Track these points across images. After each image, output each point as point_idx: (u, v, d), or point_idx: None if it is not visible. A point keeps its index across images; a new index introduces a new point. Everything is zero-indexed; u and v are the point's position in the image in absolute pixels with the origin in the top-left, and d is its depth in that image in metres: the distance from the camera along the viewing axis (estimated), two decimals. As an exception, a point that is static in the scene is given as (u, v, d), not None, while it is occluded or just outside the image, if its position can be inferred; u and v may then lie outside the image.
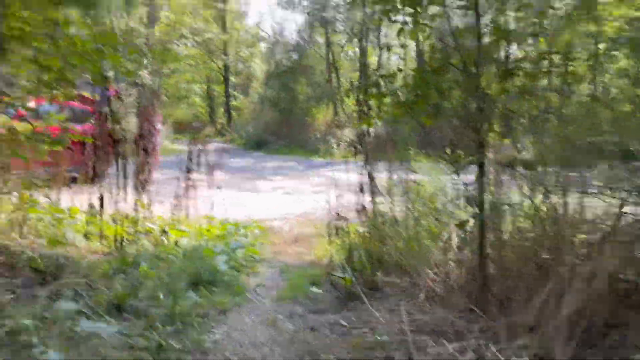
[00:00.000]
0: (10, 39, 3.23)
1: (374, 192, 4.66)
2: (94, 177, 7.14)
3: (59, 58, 3.61)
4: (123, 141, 6.63)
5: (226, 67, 31.96)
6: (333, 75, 24.26)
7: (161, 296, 3.07)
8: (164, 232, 5.23)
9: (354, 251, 4.19)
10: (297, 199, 9.23)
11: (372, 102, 5.48)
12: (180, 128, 35.26)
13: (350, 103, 25.86)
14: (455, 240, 4.37)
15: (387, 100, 4.60)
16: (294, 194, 9.84)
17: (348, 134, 21.65)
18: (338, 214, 5.35)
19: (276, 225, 7.17)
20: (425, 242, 4.35)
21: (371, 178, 4.86)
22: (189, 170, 6.46)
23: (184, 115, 40.56)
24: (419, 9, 3.46)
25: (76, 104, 9.38)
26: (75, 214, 5.82)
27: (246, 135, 24.60)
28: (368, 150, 5.67)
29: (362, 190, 4.79)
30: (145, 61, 22.89)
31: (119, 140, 7.51)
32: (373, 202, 4.49)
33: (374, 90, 3.99)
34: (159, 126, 11.45)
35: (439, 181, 4.89)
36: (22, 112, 6.38)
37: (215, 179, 7.04)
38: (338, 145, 20.43)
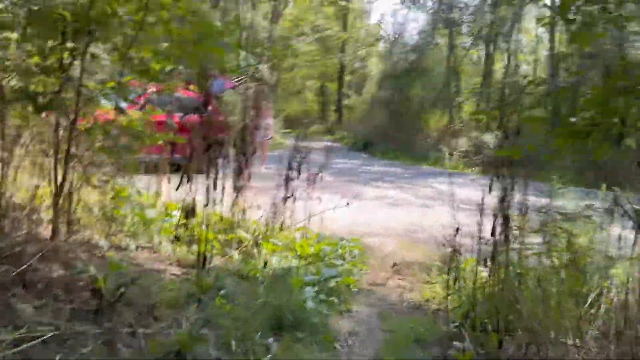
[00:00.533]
0: (98, 24, 2.87)
1: (507, 225, 3.67)
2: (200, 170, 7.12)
3: (146, 47, 3.22)
4: (232, 135, 6.37)
5: (342, 65, 31.76)
6: (452, 79, 22.84)
7: (233, 344, 2.51)
8: (256, 243, 4.76)
9: (475, 307, 3.33)
10: (402, 212, 8.41)
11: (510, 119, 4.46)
12: (291, 122, 35.90)
13: (468, 110, 24.27)
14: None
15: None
16: (398, 206, 9.02)
17: (463, 143, 20.28)
18: (453, 248, 4.44)
19: (376, 244, 6.42)
20: (566, 304, 3.37)
21: (504, 207, 3.80)
22: (289, 174, 5.96)
23: (296, 110, 41.36)
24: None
25: (189, 93, 9.42)
26: (172, 209, 5.57)
27: (354, 135, 24.08)
28: (492, 165, 4.55)
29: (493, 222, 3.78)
30: (264, 56, 23.21)
31: (226, 133, 7.33)
32: (505, 240, 3.54)
33: (532, 111, 3.04)
34: (270, 121, 11.31)
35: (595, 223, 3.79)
36: (138, 100, 6.34)
37: (316, 184, 6.48)
38: (450, 154, 19.14)
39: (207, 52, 3.21)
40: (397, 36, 26.98)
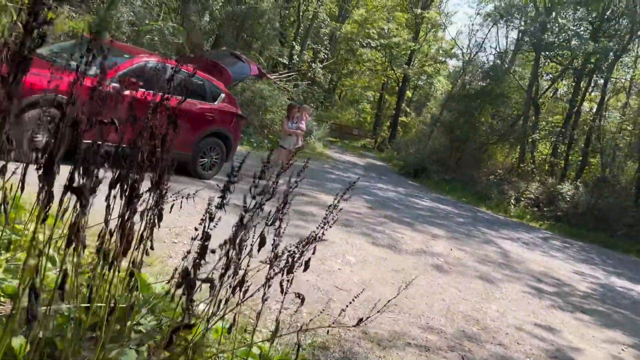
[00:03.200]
0: None
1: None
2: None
3: None
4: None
5: (405, 78, 28.90)
6: (531, 112, 19.52)
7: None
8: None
9: None
10: (453, 288, 5.54)
11: None
12: (339, 131, 33.30)
13: (542, 151, 20.81)
14: None
15: None
16: (449, 273, 6.16)
17: (533, 189, 16.93)
18: None
19: None
20: None
21: None
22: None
23: (350, 119, 38.78)
24: None
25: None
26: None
27: (405, 157, 21.15)
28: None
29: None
30: (323, 56, 20.73)
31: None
32: None
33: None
34: (303, 125, 8.67)
35: None
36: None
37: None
38: (517, 200, 15.86)
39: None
40: (472, 55, 23.89)
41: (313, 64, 21.03)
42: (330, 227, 2.35)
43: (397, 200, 11.47)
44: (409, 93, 35.70)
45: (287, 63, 19.57)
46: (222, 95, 7.49)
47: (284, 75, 18.19)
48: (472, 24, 40.69)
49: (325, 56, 22.60)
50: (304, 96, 20.78)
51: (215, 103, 7.34)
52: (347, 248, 5.80)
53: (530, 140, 19.15)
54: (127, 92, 1.90)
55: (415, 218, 9.34)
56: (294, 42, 19.83)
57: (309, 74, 21.48)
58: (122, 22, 10.62)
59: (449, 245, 7.59)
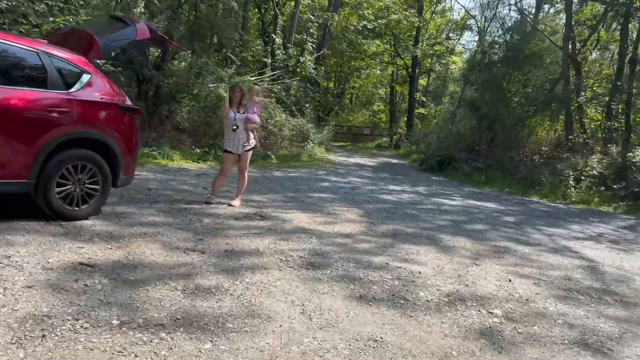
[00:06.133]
0: None
1: None
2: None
3: None
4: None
5: (414, 62, 25.45)
6: (571, 72, 15.93)
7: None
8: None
9: None
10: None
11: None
12: (349, 133, 30.13)
13: (595, 117, 17.03)
14: None
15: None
16: (523, 347, 2.94)
17: (594, 163, 13.27)
18: None
19: None
20: None
21: None
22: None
23: (364, 121, 35.55)
24: None
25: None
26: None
27: (425, 149, 17.83)
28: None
29: None
30: (310, 45, 17.64)
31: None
32: None
33: None
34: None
35: None
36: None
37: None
38: (577, 181, 12.18)
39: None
40: (489, 13, 20.38)
41: (301, 58, 17.99)
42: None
43: (414, 204, 8.20)
44: (422, 82, 32.27)
45: (270, 61, 16.66)
46: (86, 76, 4.48)
47: (266, 76, 15.26)
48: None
49: (313, 46, 19.54)
50: (297, 97, 17.84)
51: (72, 90, 4.34)
52: (300, 324, 2.70)
53: (575, 105, 15.52)
54: None
55: (441, 229, 6.07)
56: (273, 35, 16.86)
57: (300, 71, 18.45)
58: None
59: (502, 272, 4.30)
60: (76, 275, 3.04)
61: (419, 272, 4.02)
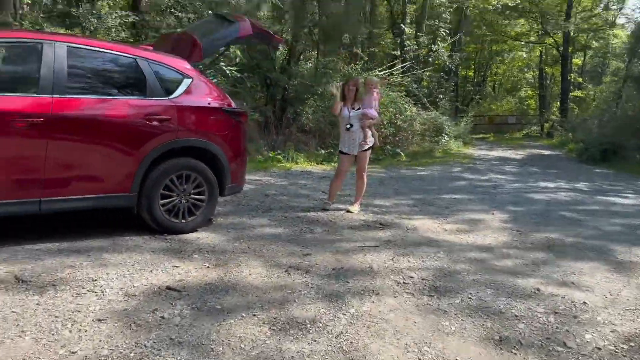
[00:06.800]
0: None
1: None
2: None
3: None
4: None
5: (566, 39, 22.36)
6: None
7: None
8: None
9: None
10: None
11: None
12: (491, 124, 27.73)
13: None
14: None
15: None
16: None
17: None
18: None
19: None
20: None
21: None
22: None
23: (509, 109, 32.67)
24: None
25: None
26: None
27: (585, 138, 15.45)
28: None
29: None
30: (443, 31, 16.47)
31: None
32: None
33: None
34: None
35: None
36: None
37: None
38: None
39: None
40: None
41: (433, 46, 16.78)
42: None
43: (573, 204, 6.76)
44: (577, 60, 28.51)
45: (399, 54, 15.83)
46: (187, 81, 4.24)
47: (395, 69, 14.48)
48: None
49: (447, 32, 18.09)
50: (430, 88, 16.73)
51: (173, 96, 4.12)
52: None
53: None
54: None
55: (612, 237, 4.74)
56: (402, 25, 15.96)
57: (433, 60, 17.30)
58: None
59: None
60: (157, 304, 2.68)
61: (584, 303, 3.01)
